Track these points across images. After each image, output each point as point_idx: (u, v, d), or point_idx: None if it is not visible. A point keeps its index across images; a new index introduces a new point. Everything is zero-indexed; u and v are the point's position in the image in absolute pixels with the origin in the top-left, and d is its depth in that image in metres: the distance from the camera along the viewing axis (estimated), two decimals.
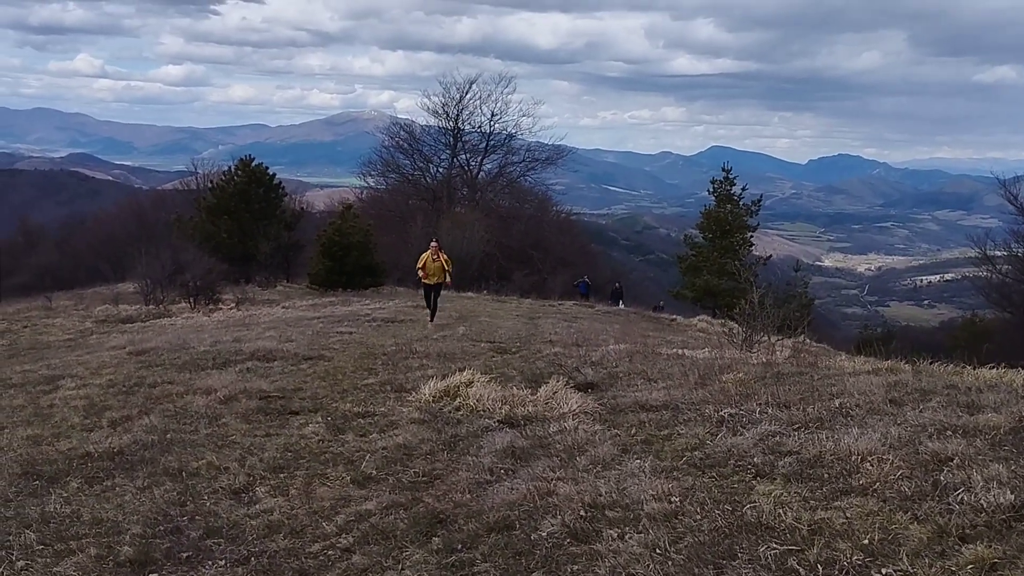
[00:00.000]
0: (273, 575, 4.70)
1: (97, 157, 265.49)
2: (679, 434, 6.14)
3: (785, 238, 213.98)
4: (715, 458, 5.42)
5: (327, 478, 6.19)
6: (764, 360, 8.82)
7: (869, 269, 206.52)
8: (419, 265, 16.24)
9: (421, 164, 54.16)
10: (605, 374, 9.05)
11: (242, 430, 7.55)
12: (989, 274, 37.58)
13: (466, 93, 52.11)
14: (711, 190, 40.21)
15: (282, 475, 6.31)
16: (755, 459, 5.22)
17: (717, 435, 5.90)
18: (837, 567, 3.66)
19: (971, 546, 3.63)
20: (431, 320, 16.12)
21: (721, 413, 6.41)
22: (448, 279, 16.38)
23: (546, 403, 7.64)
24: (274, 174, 36.94)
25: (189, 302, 23.95)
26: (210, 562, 4.86)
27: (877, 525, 3.98)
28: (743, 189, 39.96)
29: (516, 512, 4.94)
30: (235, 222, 33.80)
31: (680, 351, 10.96)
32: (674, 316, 30.80)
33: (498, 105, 52.42)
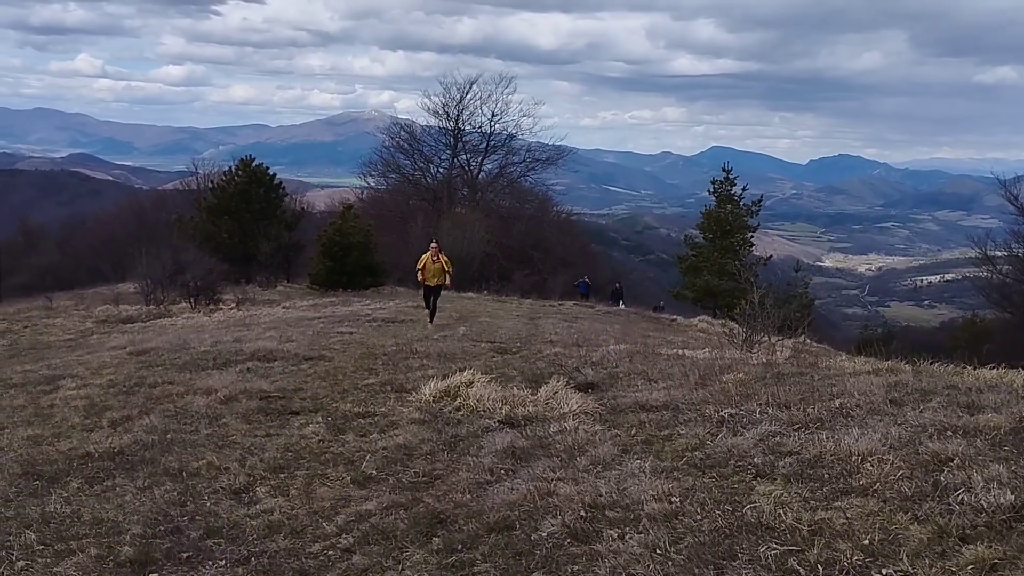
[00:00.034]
0: (273, 575, 4.70)
1: (98, 157, 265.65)
2: (679, 434, 6.14)
3: (785, 238, 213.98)
4: (715, 458, 5.41)
5: (327, 478, 6.19)
6: (764, 360, 8.82)
7: (869, 269, 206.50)
8: (419, 267, 16.21)
9: (421, 164, 54.17)
10: (605, 374, 9.05)
11: (242, 430, 7.55)
12: (989, 274, 37.57)
13: (466, 93, 52.16)
14: (711, 190, 40.21)
15: (282, 475, 6.31)
16: (755, 459, 5.21)
17: (717, 435, 5.90)
18: (837, 567, 3.65)
19: (971, 546, 3.63)
20: (431, 321, 16.10)
21: (721, 413, 6.41)
22: (448, 280, 16.37)
23: (546, 403, 7.64)
24: (275, 174, 36.95)
25: (190, 302, 23.95)
26: (210, 562, 4.86)
27: (877, 525, 3.98)
28: (743, 189, 39.96)
29: (516, 512, 4.94)
30: (236, 222, 33.81)
31: (680, 351, 10.96)
32: (674, 316, 30.80)
33: (499, 105, 52.47)
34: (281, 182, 37.30)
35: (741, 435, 5.77)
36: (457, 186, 53.84)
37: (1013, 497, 3.98)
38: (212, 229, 33.51)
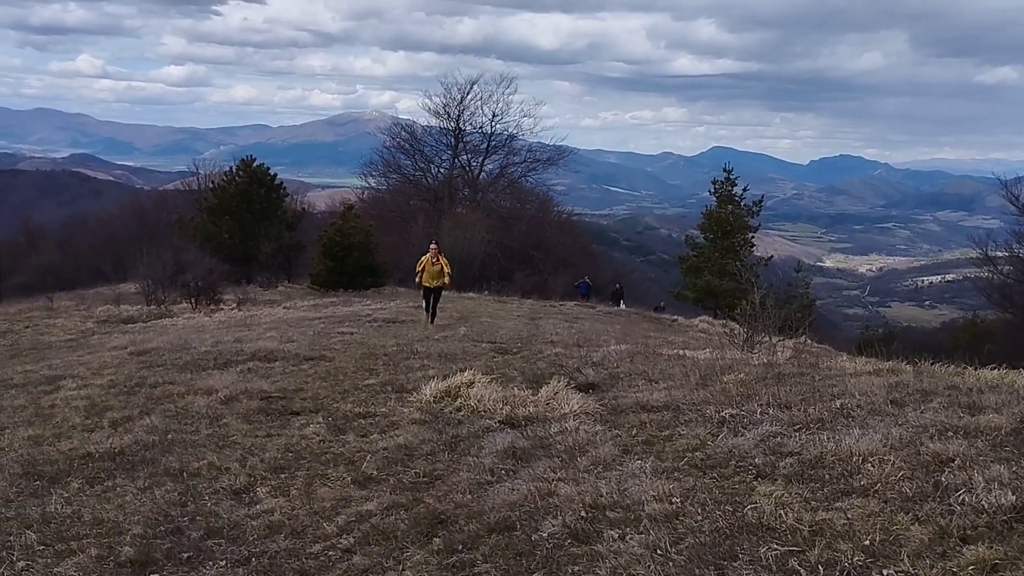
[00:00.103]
0: (274, 575, 4.70)
1: (98, 157, 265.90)
2: (680, 435, 6.13)
3: (786, 239, 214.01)
4: (716, 459, 5.41)
5: (328, 479, 6.19)
6: (765, 361, 8.81)
7: (870, 270, 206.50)
8: (418, 268, 16.21)
9: (422, 164, 54.20)
10: (606, 375, 9.04)
11: (243, 430, 7.55)
12: (991, 275, 37.58)
13: (467, 94, 52.19)
14: (712, 191, 40.22)
15: (283, 475, 6.31)
16: (756, 460, 5.21)
17: (718, 436, 5.89)
18: (838, 568, 3.65)
19: (972, 547, 3.63)
20: (431, 322, 16.07)
21: (722, 414, 6.41)
22: (448, 280, 16.35)
23: (547, 404, 7.63)
24: (275, 174, 36.99)
25: (190, 302, 23.97)
26: (211, 562, 4.86)
27: (878, 526, 3.98)
28: (744, 190, 39.97)
29: (517, 513, 4.93)
30: (236, 222, 33.83)
31: (681, 352, 10.96)
32: (675, 317, 30.81)
33: (499, 106, 52.50)
34: (282, 182, 37.34)
35: (742, 435, 5.77)
36: (458, 186, 53.86)
37: (1014, 498, 3.97)
38: (213, 229, 33.54)
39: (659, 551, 4.08)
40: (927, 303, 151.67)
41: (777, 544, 3.95)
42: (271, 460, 6.65)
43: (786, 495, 4.53)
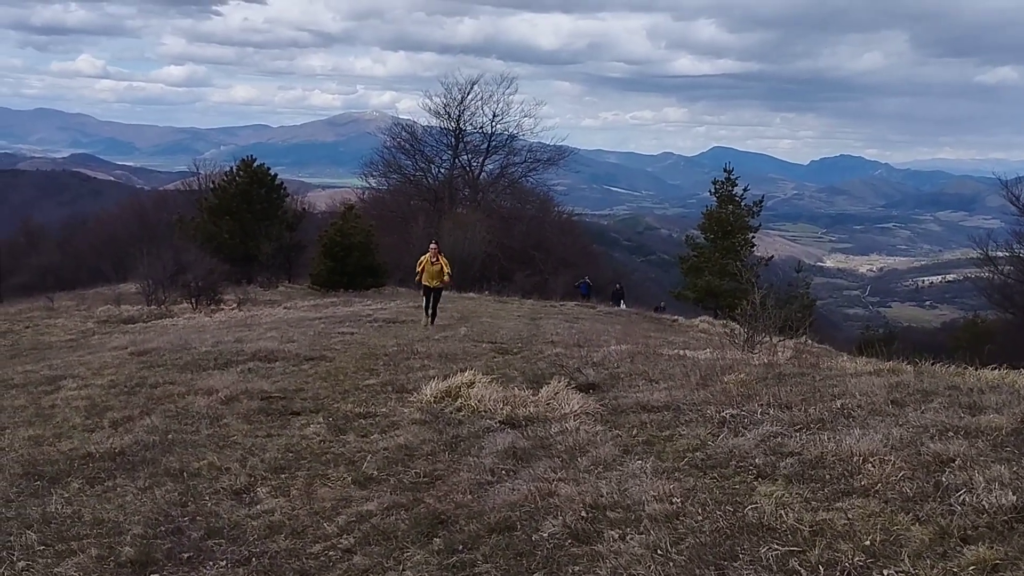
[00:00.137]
0: (274, 575, 4.70)
1: (99, 157, 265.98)
2: (680, 435, 6.13)
3: (787, 239, 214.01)
4: (717, 459, 5.41)
5: (328, 479, 6.19)
6: (766, 361, 8.81)
7: (871, 270, 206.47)
8: (418, 268, 16.20)
9: (423, 165, 54.19)
10: (606, 375, 9.04)
11: (243, 431, 7.55)
12: (991, 275, 37.57)
13: (468, 94, 52.18)
14: (713, 191, 40.24)
15: (283, 476, 6.31)
16: (757, 460, 5.21)
17: (719, 436, 5.89)
18: (839, 568, 3.65)
19: (973, 547, 3.63)
20: (431, 322, 16.05)
21: (723, 414, 6.40)
22: (447, 279, 16.32)
23: (547, 404, 7.63)
24: (276, 174, 36.99)
25: (191, 302, 23.98)
26: (211, 563, 4.86)
27: (879, 526, 3.98)
28: (745, 190, 39.98)
29: (517, 513, 4.93)
30: (237, 222, 33.84)
31: (681, 352, 10.96)
32: (675, 317, 30.80)
33: (500, 106, 52.49)
34: (282, 182, 37.35)
35: (742, 436, 5.77)
36: (458, 186, 53.86)
37: (1015, 498, 3.97)
38: (213, 229, 33.54)
39: (659, 551, 4.08)
40: (927, 303, 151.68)
41: (778, 544, 3.95)
42: (271, 460, 6.65)
43: (787, 495, 4.53)
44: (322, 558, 4.83)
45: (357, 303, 23.22)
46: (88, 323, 20.72)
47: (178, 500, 5.84)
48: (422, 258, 16.30)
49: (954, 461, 4.61)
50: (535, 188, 55.20)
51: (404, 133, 54.13)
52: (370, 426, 7.57)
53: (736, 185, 39.50)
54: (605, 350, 11.08)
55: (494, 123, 52.58)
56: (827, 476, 4.75)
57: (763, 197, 42.50)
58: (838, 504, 4.32)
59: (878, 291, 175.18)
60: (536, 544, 4.49)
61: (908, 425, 5.42)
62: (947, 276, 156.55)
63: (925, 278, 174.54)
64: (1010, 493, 4.02)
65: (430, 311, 16.24)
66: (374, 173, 55.37)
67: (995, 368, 7.67)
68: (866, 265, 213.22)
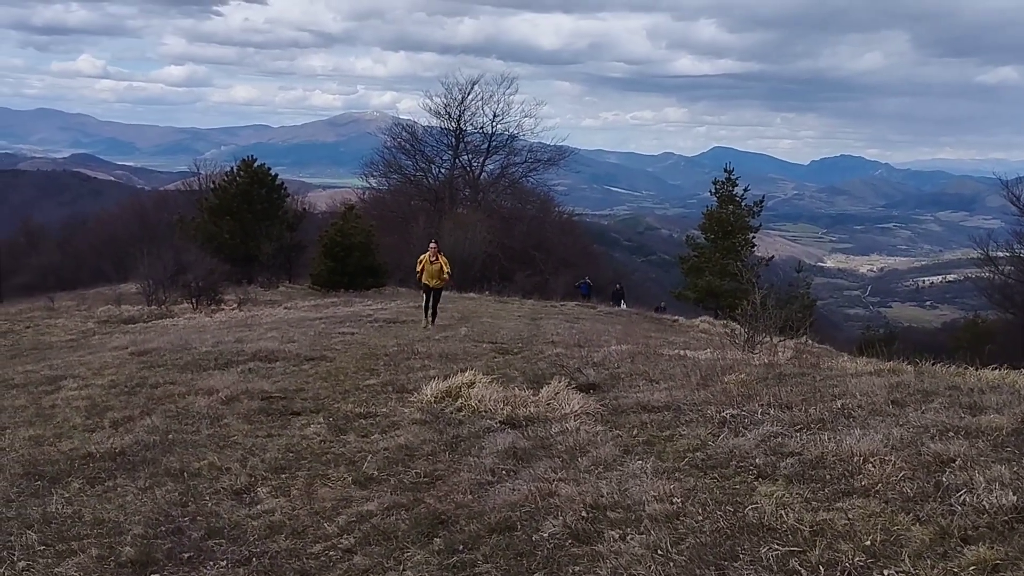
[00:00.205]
0: (274, 575, 4.70)
1: (99, 158, 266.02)
2: (681, 435, 6.13)
3: (787, 239, 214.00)
4: (717, 459, 5.41)
5: (329, 479, 6.19)
6: (766, 361, 8.81)
7: (871, 270, 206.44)
8: (418, 267, 16.19)
9: (423, 165, 54.19)
10: (607, 375, 9.04)
11: (244, 431, 7.55)
12: (991, 275, 37.59)
13: (468, 94, 52.17)
14: (713, 191, 40.26)
15: (284, 476, 6.31)
16: (757, 460, 5.21)
17: (719, 436, 5.89)
18: (839, 568, 3.65)
19: (973, 547, 3.63)
20: (432, 323, 16.01)
21: (723, 414, 6.40)
22: (447, 276, 16.26)
23: (548, 404, 7.63)
24: (276, 175, 37.00)
25: (191, 303, 23.98)
26: (211, 563, 4.86)
27: (879, 526, 3.97)
28: (745, 190, 39.99)
29: (518, 513, 4.93)
30: (237, 223, 33.85)
31: (682, 352, 10.96)
32: (676, 317, 30.79)
33: (500, 106, 52.49)
34: (283, 183, 37.36)
35: (743, 436, 5.77)
36: (459, 187, 53.86)
37: (1015, 498, 3.97)
38: (214, 229, 33.56)
39: (660, 551, 4.08)
40: (928, 303, 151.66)
41: (778, 544, 3.94)
42: (272, 460, 6.65)
43: (787, 495, 4.53)
44: (322, 558, 4.84)
45: (357, 303, 23.23)
46: (88, 323, 20.73)
47: (178, 500, 5.84)
48: (422, 257, 16.28)
49: (955, 461, 4.61)
50: (535, 188, 55.24)
51: (404, 133, 54.17)
52: (370, 426, 7.57)
53: (736, 185, 39.51)
54: (605, 350, 11.09)
55: (494, 123, 52.66)
56: (827, 476, 4.75)
57: (763, 197, 42.51)
58: (838, 504, 4.32)
59: (878, 291, 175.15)
60: (536, 544, 4.49)
61: (908, 425, 5.42)
62: (948, 276, 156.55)
63: (926, 278, 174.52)
64: (1010, 493, 4.02)
65: (430, 311, 16.18)
66: (374, 173, 55.42)
67: (995, 368, 7.67)
68: (866, 265, 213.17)
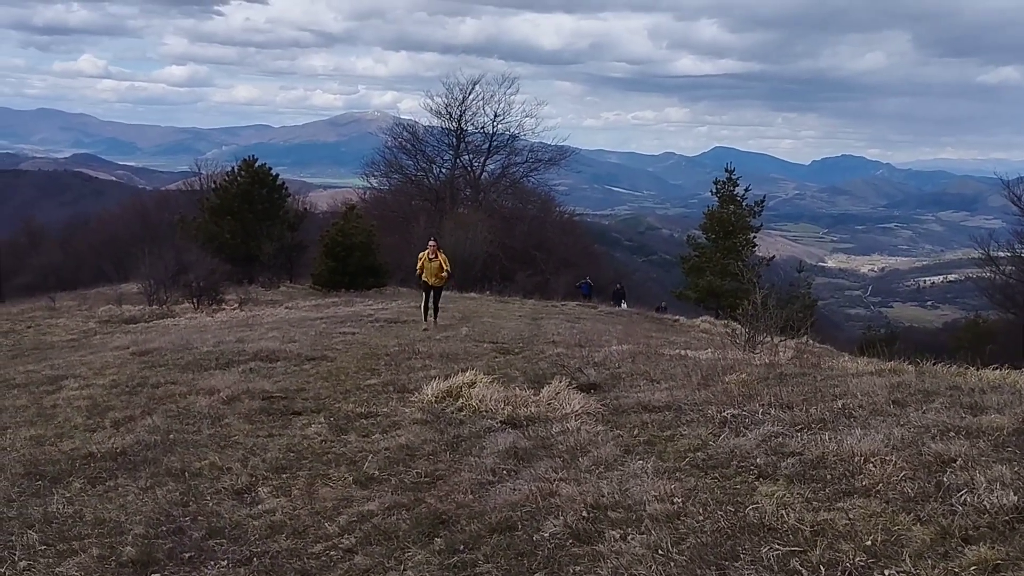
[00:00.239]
0: (275, 575, 4.70)
1: (101, 158, 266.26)
2: (682, 435, 6.13)
3: (788, 239, 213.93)
4: (718, 459, 5.41)
5: (329, 478, 6.19)
6: (767, 361, 8.81)
7: (872, 270, 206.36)
8: (418, 266, 16.13)
9: (424, 165, 54.18)
10: (608, 375, 9.04)
11: (245, 430, 7.55)
12: (993, 275, 37.58)
13: (469, 94, 52.15)
14: (714, 191, 40.25)
15: (284, 475, 6.32)
16: (758, 460, 5.21)
17: (720, 436, 5.89)
18: (840, 568, 3.65)
19: (974, 547, 3.62)
20: (435, 322, 15.92)
21: (724, 414, 6.40)
22: (446, 274, 16.15)
23: (549, 404, 7.63)
24: (277, 175, 37.03)
25: (192, 302, 24.00)
26: (212, 562, 4.86)
27: (880, 526, 3.97)
28: (746, 190, 39.97)
29: (518, 513, 4.93)
30: (238, 223, 33.87)
31: (683, 352, 10.96)
32: (677, 317, 30.77)
33: (501, 106, 52.46)
34: (284, 182, 37.39)
35: (744, 436, 5.77)
36: (460, 186, 53.85)
37: (1016, 498, 3.97)
38: (215, 229, 33.58)
39: (661, 551, 4.08)
40: (929, 303, 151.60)
41: (779, 544, 3.94)
42: (273, 460, 6.65)
43: (788, 495, 4.53)
44: (323, 558, 4.84)
45: (358, 303, 23.23)
46: (90, 323, 20.73)
47: (179, 500, 5.84)
48: (421, 255, 16.22)
49: (955, 461, 4.61)
50: (536, 188, 55.22)
51: (405, 133, 54.15)
52: (371, 426, 7.58)
53: (737, 185, 39.50)
54: (606, 350, 11.09)
55: (495, 123, 52.64)
56: (828, 476, 4.75)
57: (764, 197, 42.50)
58: (839, 504, 4.32)
59: (880, 291, 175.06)
60: (537, 544, 4.49)
61: (909, 425, 5.42)
62: (949, 276, 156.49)
63: (927, 278, 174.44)
64: (1011, 493, 4.02)
65: (431, 310, 16.04)
66: (375, 173, 55.42)
67: (997, 368, 7.67)
68: (868, 265, 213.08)
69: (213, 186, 38.80)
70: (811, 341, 14.22)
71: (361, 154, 68.40)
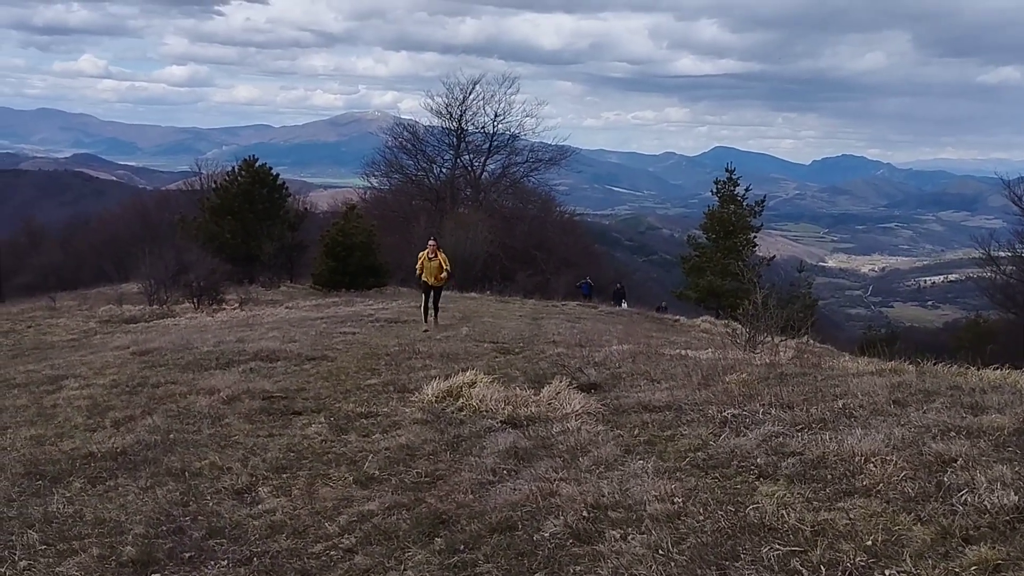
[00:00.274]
0: (276, 575, 4.70)
1: (101, 157, 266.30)
2: (682, 435, 6.13)
3: (789, 239, 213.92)
4: (718, 459, 5.41)
5: (330, 478, 6.19)
6: (767, 361, 8.80)
7: (873, 270, 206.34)
8: (417, 266, 16.09)
9: (424, 164, 54.18)
10: (608, 375, 9.04)
11: (245, 430, 7.55)
12: (993, 275, 37.57)
13: (469, 94, 52.14)
14: (714, 191, 40.23)
15: (285, 475, 6.31)
16: (758, 460, 5.20)
17: (720, 436, 5.89)
18: (840, 568, 3.65)
19: (974, 547, 3.62)
20: (436, 322, 15.87)
21: (724, 414, 6.40)
22: (446, 274, 16.09)
23: (549, 404, 7.63)
24: (278, 174, 37.04)
25: (193, 302, 24.00)
26: (212, 562, 4.86)
27: (880, 526, 3.97)
28: (747, 190, 39.96)
29: (519, 513, 4.93)
30: (239, 222, 33.88)
31: (683, 352, 10.95)
32: (677, 317, 30.77)
33: (501, 106, 52.47)
34: (284, 182, 37.39)
35: (744, 435, 5.76)
36: (460, 186, 53.85)
37: (1016, 498, 3.97)
38: (215, 229, 33.59)
39: (661, 551, 4.08)
40: (930, 303, 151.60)
41: (779, 544, 3.94)
42: (273, 460, 6.65)
43: (788, 495, 4.52)
44: (323, 558, 4.84)
45: (359, 303, 23.23)
46: (90, 323, 20.75)
47: (180, 500, 5.84)
48: (420, 255, 16.18)
49: (956, 461, 4.60)
50: (537, 188, 55.22)
51: (406, 133, 54.15)
52: (372, 426, 7.58)
53: (738, 185, 39.48)
54: (607, 350, 11.08)
55: (496, 123, 52.63)
56: (829, 476, 4.75)
57: (765, 197, 42.48)
58: (840, 504, 4.32)
59: (880, 291, 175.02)
60: (537, 544, 4.49)
61: (910, 425, 5.41)
62: (949, 276, 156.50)
63: (927, 278, 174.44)
64: (1012, 493, 4.02)
65: (431, 310, 15.98)
66: (376, 173, 55.43)
67: (997, 368, 7.66)
68: (868, 265, 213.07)
69: (213, 186, 38.81)
70: (812, 341, 14.21)
71: (361, 154, 68.42)
